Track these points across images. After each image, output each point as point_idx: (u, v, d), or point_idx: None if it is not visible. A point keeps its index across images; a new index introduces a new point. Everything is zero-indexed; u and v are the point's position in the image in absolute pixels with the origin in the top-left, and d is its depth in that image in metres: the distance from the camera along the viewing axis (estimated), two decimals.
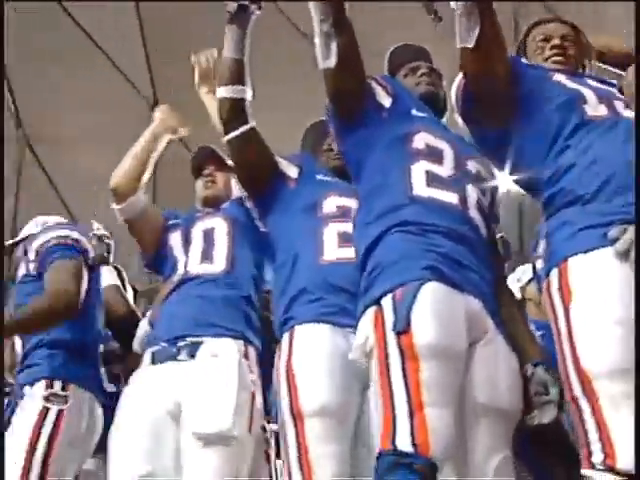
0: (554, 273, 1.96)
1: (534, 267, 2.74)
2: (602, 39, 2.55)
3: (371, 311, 2.06)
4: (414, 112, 2.38)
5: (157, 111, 3.08)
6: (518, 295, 3.14)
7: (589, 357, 1.84)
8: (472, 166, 2.33)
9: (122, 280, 3.53)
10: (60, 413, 2.74)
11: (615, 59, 2.49)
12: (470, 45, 2.11)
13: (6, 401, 3.01)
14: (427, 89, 2.49)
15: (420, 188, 2.21)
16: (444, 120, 2.53)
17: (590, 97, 2.16)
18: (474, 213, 2.25)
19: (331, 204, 2.53)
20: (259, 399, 2.59)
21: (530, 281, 3.20)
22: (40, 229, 3.19)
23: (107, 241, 3.16)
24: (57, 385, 2.77)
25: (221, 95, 2.58)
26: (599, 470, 1.78)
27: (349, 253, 2.32)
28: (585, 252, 1.91)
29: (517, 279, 3.34)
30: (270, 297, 2.77)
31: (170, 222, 2.95)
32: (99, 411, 2.88)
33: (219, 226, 2.85)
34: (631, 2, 2.52)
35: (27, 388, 2.80)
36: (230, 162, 2.85)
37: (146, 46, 9.99)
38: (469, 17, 2.10)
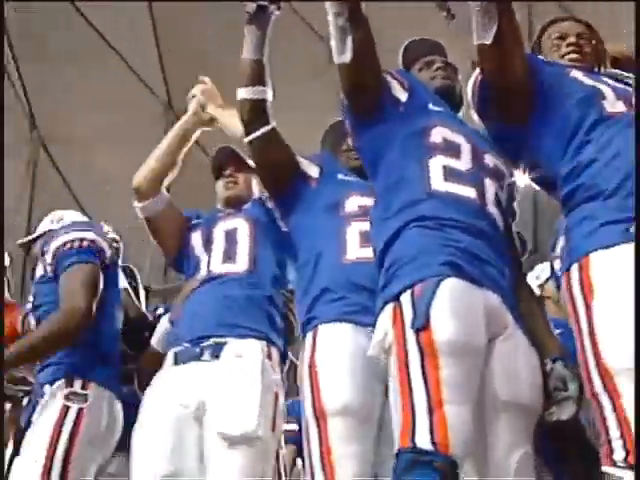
0: (575, 268, 1.95)
1: (552, 265, 2.74)
2: (618, 46, 2.54)
3: (390, 307, 2.06)
4: (431, 106, 2.37)
5: (195, 90, 3.05)
6: (537, 293, 3.13)
7: (611, 353, 1.83)
8: (489, 160, 2.32)
9: (135, 281, 3.54)
10: (80, 412, 2.74)
11: (629, 65, 2.48)
12: (488, 42, 2.11)
13: (26, 400, 3.03)
14: (443, 83, 2.48)
15: (438, 183, 2.20)
16: (460, 115, 2.52)
17: (608, 93, 2.15)
18: (492, 208, 2.24)
19: (353, 203, 2.52)
20: (282, 399, 2.60)
21: (548, 279, 3.19)
22: (56, 226, 3.20)
23: (115, 245, 3.16)
24: (77, 384, 2.78)
25: (241, 96, 2.57)
26: (620, 467, 1.77)
27: (371, 252, 2.30)
28: (606, 247, 1.91)
29: (536, 277, 3.34)
30: (291, 296, 2.78)
31: (192, 222, 2.96)
32: (119, 409, 2.88)
33: (241, 226, 2.86)
34: None
35: (47, 387, 2.80)
36: (250, 162, 2.86)
37: (159, 46, 10.02)
38: (486, 14, 2.10)
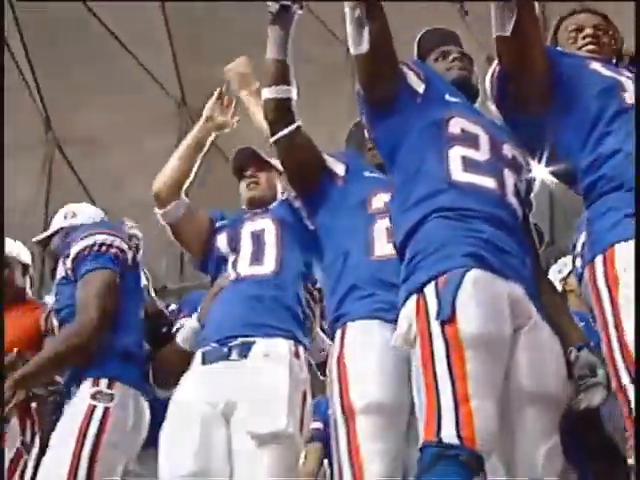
0: (599, 260, 1.95)
1: (574, 259, 2.73)
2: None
3: (413, 299, 2.05)
4: (447, 97, 2.36)
5: (207, 108, 3.04)
6: (559, 287, 3.13)
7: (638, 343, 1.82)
8: (508, 151, 2.31)
9: (146, 278, 3.55)
10: (106, 411, 2.74)
11: None
12: (506, 34, 2.11)
13: (51, 399, 3.05)
14: (460, 74, 2.46)
15: (458, 173, 2.19)
16: (476, 105, 2.50)
17: (628, 85, 2.15)
18: (511, 198, 2.23)
19: (379, 200, 2.50)
20: (310, 398, 2.61)
21: (570, 273, 3.19)
22: (70, 221, 3.21)
23: (136, 241, 3.17)
24: (103, 383, 2.78)
25: (266, 96, 2.57)
26: None
27: None
28: (631, 239, 1.89)
29: (558, 271, 3.33)
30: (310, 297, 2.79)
31: (218, 223, 2.96)
32: (145, 408, 2.89)
33: (268, 227, 2.86)
34: None
35: (73, 387, 2.82)
36: (272, 160, 2.86)
37: (173, 45, 10.04)
38: (506, 6, 2.09)
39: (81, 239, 2.97)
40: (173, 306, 3.46)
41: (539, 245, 2.59)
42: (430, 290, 2.02)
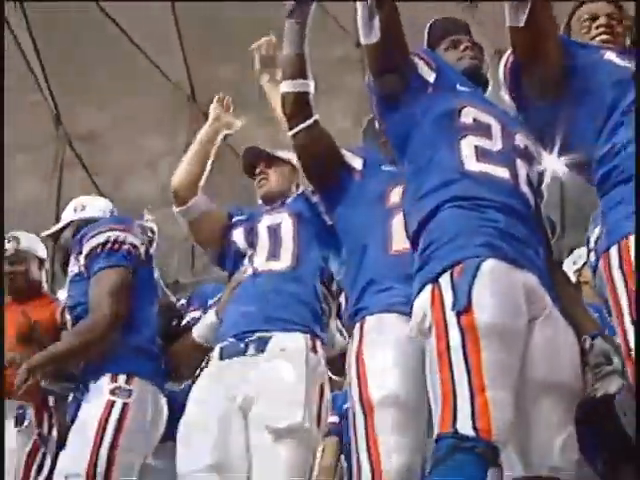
0: (614, 249, 1.94)
1: (589, 252, 2.72)
2: None
3: (428, 289, 2.04)
4: (459, 87, 2.35)
5: (212, 108, 3.09)
6: (573, 279, 3.12)
7: None
8: (520, 141, 2.31)
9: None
10: (125, 406, 2.76)
11: None
12: (520, 24, 2.09)
13: (71, 396, 3.06)
14: (471, 63, 2.45)
15: (471, 163, 2.18)
16: (487, 95, 2.49)
17: None
18: (524, 187, 2.22)
19: (397, 195, 2.49)
20: (327, 392, 2.61)
21: (585, 264, 3.18)
22: (80, 214, 3.23)
23: (150, 235, 3.18)
24: (121, 379, 2.80)
25: (283, 90, 2.57)
26: None
27: None
28: None
29: (573, 262, 3.33)
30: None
31: (235, 219, 2.98)
32: (163, 403, 2.91)
33: (285, 222, 2.87)
34: None
35: (91, 383, 2.84)
36: (279, 154, 2.87)
37: (183, 44, 10.05)
38: None
39: (93, 236, 2.98)
40: (182, 300, 3.47)
41: (551, 236, 2.59)
42: (445, 280, 2.01)
